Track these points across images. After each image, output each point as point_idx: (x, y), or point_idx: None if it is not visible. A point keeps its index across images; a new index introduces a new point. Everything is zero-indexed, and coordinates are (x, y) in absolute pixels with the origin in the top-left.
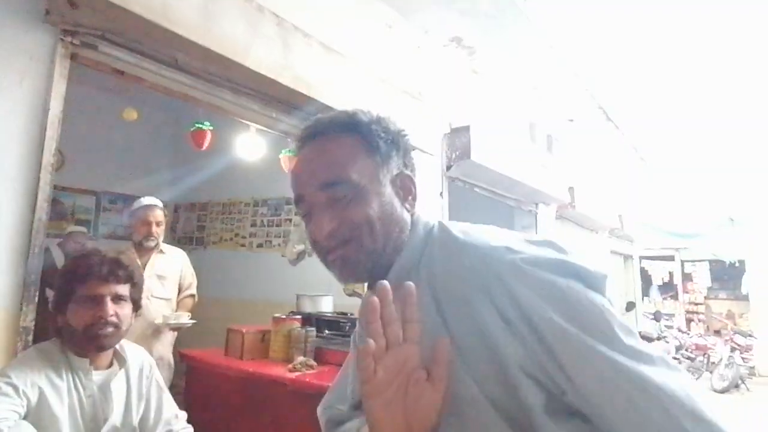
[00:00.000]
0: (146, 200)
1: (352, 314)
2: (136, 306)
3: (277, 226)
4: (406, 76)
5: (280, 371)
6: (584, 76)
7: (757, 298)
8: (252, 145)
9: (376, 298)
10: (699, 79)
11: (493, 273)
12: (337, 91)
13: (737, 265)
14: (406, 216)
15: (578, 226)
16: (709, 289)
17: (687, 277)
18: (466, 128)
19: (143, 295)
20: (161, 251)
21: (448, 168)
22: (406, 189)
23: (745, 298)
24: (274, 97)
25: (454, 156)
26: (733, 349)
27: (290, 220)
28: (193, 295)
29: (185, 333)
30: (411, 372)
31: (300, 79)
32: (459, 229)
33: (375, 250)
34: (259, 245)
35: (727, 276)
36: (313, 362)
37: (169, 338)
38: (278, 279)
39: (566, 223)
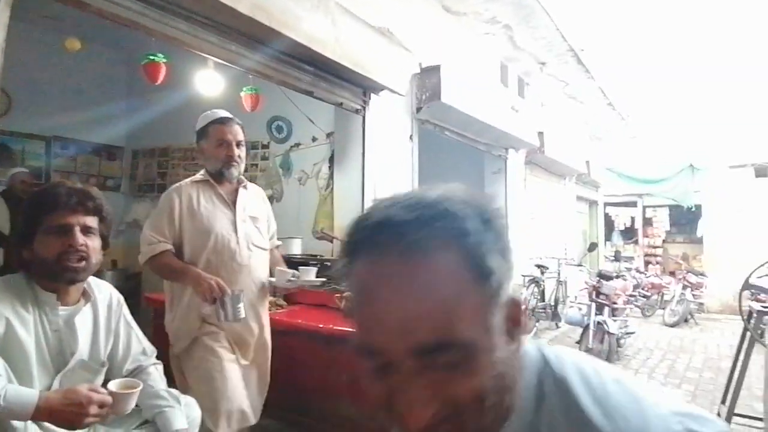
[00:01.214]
0: (219, 112)
1: (321, 256)
2: (105, 243)
3: (243, 172)
4: (375, 10)
5: None
6: (556, 14)
7: (710, 241)
8: (211, 80)
9: None
10: (669, 29)
11: None
12: (299, 23)
13: (694, 210)
14: (518, 362)
15: (547, 171)
16: (668, 233)
17: (647, 222)
18: (437, 68)
19: (243, 245)
20: (245, 186)
21: (418, 110)
22: (515, 320)
23: (700, 241)
24: (232, 28)
25: (424, 97)
26: (685, 287)
27: (256, 165)
28: (278, 246)
29: (149, 275)
30: None
31: (259, 7)
32: (586, 388)
33: (479, 429)
34: None
35: (684, 220)
36: (283, 302)
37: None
38: None
39: (535, 168)
